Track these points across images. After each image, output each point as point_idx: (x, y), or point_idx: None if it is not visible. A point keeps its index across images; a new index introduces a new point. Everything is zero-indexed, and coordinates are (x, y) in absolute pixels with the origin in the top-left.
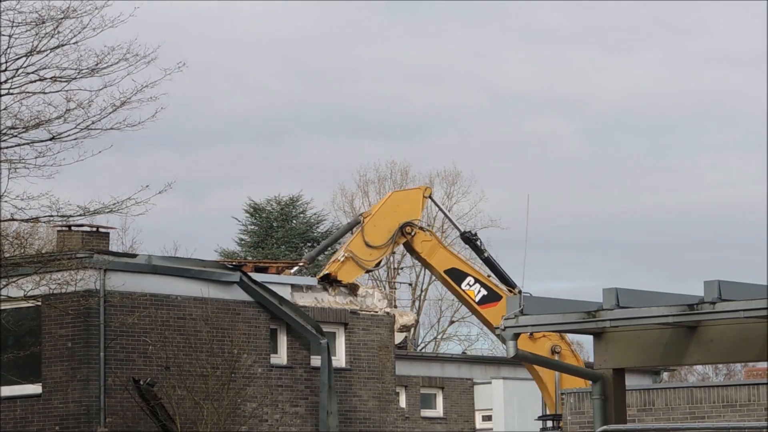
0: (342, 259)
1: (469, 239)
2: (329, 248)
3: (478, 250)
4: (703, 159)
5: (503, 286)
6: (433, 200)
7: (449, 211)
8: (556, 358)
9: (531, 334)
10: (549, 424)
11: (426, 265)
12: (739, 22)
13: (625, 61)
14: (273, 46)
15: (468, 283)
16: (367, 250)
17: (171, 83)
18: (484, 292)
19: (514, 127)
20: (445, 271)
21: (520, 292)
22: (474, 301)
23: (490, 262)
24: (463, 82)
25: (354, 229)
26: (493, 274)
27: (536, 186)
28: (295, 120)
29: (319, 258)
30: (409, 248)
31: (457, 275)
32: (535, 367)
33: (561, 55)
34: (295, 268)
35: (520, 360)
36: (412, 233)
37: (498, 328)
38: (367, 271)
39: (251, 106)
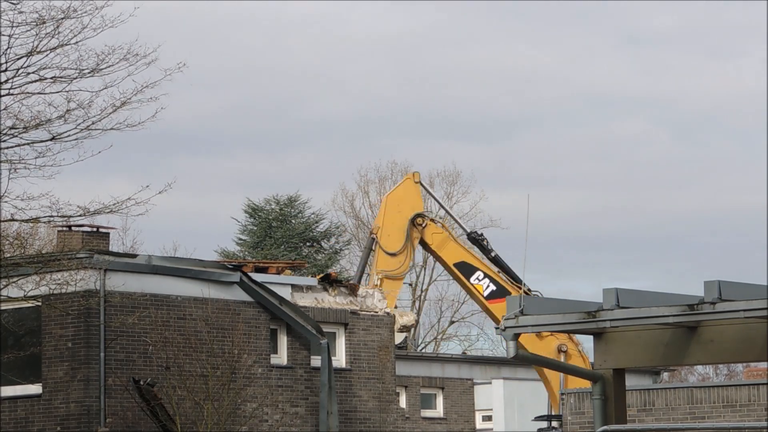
0: (378, 282)
1: (476, 239)
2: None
3: (485, 250)
4: None
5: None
6: (422, 185)
7: (450, 208)
8: (562, 357)
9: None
10: (545, 424)
11: (436, 257)
12: None
13: (723, 62)
14: (375, 49)
15: (477, 278)
16: (392, 260)
17: (266, 87)
18: (493, 287)
19: (603, 129)
20: (455, 264)
21: (529, 290)
22: (482, 295)
23: (497, 262)
24: (558, 83)
25: (373, 248)
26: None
27: (619, 186)
28: (388, 122)
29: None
30: (421, 242)
31: (466, 269)
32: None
33: (659, 57)
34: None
35: (521, 360)
36: (424, 224)
37: (498, 327)
38: (403, 281)
39: (346, 109)
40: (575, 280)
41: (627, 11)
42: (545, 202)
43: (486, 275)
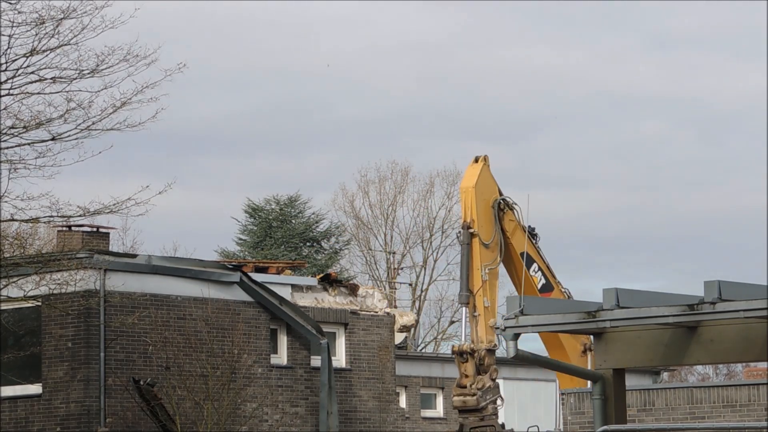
0: (486, 278)
1: (530, 234)
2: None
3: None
4: None
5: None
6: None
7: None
8: (589, 355)
9: None
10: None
11: (505, 244)
12: None
13: (749, 63)
14: (399, 52)
15: (534, 270)
16: (488, 253)
17: (298, 88)
18: (543, 281)
19: (626, 129)
20: (520, 253)
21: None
22: (537, 288)
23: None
24: (582, 84)
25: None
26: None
27: (641, 187)
28: (408, 123)
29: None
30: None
31: (527, 260)
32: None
33: (684, 58)
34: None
35: (521, 360)
36: (505, 210)
37: (498, 327)
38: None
39: (367, 111)
40: (593, 280)
41: (651, 12)
42: (565, 203)
43: (540, 269)
